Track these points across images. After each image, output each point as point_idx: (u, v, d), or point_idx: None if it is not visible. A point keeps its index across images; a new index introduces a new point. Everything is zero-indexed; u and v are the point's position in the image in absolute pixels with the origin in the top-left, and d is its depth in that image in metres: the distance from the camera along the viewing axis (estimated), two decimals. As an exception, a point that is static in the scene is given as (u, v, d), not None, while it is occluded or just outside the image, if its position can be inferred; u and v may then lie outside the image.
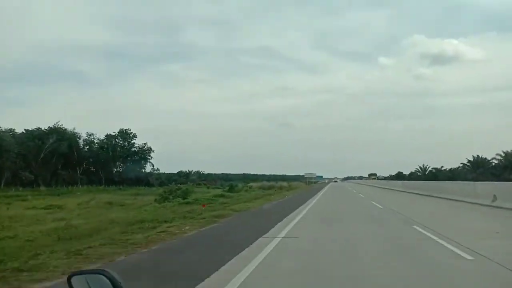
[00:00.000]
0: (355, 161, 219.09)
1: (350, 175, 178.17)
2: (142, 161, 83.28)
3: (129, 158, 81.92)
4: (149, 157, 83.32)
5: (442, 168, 78.54)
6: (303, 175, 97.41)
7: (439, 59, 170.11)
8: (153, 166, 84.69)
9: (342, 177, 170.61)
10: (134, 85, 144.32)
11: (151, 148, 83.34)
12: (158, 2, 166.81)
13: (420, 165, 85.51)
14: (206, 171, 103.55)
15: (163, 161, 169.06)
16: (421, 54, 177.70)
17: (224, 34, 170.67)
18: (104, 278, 1.41)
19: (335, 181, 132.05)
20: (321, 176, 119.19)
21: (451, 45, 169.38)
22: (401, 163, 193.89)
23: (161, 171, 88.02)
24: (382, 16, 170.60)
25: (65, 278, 1.94)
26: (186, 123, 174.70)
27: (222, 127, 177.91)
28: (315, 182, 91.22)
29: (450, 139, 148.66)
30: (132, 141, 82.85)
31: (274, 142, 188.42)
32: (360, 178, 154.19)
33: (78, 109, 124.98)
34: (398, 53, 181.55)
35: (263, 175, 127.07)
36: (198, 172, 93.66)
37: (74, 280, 1.50)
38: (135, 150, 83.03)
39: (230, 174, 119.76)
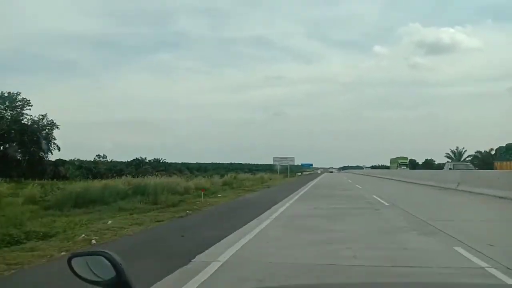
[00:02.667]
0: (351, 151, 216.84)
1: (347, 165, 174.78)
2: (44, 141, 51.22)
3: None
4: (52, 137, 53.03)
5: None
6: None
7: (435, 48, 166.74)
8: (59, 148, 54.66)
9: (338, 166, 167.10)
10: (125, 75, 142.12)
11: (54, 123, 52.87)
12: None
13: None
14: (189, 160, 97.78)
15: (143, 151, 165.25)
16: (417, 42, 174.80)
17: (216, 23, 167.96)
18: (104, 259, 1.35)
19: (330, 171, 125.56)
20: (310, 165, 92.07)
21: (447, 33, 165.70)
22: (396, 152, 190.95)
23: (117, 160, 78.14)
24: (377, 4, 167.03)
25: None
26: (174, 114, 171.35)
27: (210, 117, 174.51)
28: (299, 173, 66.96)
29: (447, 128, 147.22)
30: (24, 110, 52.83)
31: (264, 131, 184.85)
32: (358, 167, 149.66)
33: (66, 99, 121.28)
34: (393, 42, 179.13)
35: (250, 164, 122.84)
36: (157, 160, 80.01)
37: (74, 261, 1.43)
38: (27, 123, 52.46)
39: (214, 163, 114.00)
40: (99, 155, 78.98)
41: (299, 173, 67.86)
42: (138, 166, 72.66)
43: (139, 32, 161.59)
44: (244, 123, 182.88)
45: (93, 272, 1.39)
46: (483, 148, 74.85)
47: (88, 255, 1.47)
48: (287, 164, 58.52)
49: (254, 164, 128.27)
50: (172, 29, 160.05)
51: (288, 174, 53.40)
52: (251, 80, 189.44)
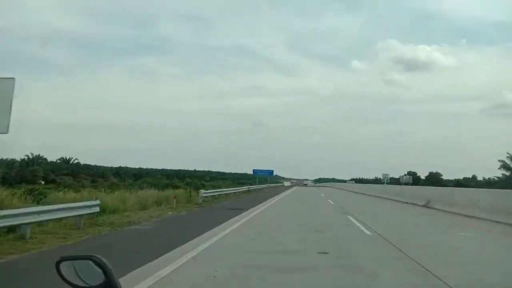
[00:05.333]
0: (327, 163, 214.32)
1: (322, 177, 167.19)
2: None
3: None
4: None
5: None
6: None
7: (412, 65, 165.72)
8: None
9: (312, 178, 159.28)
10: (104, 76, 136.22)
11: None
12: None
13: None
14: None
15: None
16: (394, 59, 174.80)
17: (200, 31, 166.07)
18: (92, 263, 1.32)
19: (304, 184, 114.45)
20: (270, 172, 65.19)
21: (424, 51, 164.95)
22: (368, 167, 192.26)
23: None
24: (357, 19, 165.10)
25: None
26: (150, 118, 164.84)
27: (188, 123, 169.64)
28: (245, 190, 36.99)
29: (421, 145, 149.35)
30: None
31: (242, 141, 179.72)
32: (335, 180, 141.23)
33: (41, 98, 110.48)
34: (371, 57, 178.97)
35: (227, 173, 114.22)
36: (65, 161, 68.61)
37: (62, 265, 1.38)
38: None
39: (185, 170, 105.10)
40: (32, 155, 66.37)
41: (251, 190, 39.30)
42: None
43: (120, 34, 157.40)
44: (222, 131, 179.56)
45: (80, 277, 1.34)
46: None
47: (76, 259, 1.40)
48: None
49: (232, 173, 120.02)
50: (154, 33, 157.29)
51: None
52: (231, 89, 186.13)
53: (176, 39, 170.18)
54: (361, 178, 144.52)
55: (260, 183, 54.22)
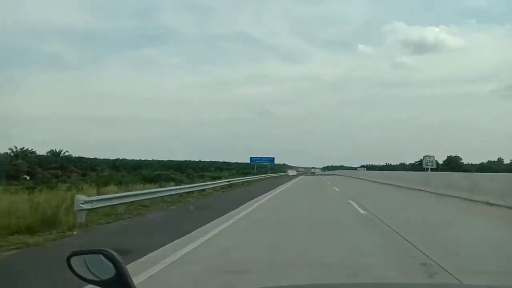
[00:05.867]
0: (335, 151, 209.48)
1: (330, 165, 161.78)
2: None
3: None
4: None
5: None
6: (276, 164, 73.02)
7: (420, 47, 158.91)
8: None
9: (321, 166, 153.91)
10: (109, 69, 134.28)
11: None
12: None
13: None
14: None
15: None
16: (402, 42, 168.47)
17: (203, 20, 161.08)
18: (103, 257, 1.30)
19: (312, 173, 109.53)
20: (271, 160, 55.96)
21: (432, 32, 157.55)
22: (380, 153, 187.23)
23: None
24: (362, 3, 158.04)
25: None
26: (156, 110, 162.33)
27: (193, 114, 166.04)
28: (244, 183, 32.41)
29: (433, 129, 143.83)
30: None
31: (248, 130, 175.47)
32: (343, 168, 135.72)
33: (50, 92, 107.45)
34: (378, 41, 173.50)
35: (231, 163, 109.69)
36: (55, 154, 63.97)
37: (73, 260, 1.36)
38: None
39: (191, 161, 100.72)
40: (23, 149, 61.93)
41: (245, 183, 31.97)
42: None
43: (121, 25, 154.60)
44: (227, 121, 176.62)
45: (91, 271, 1.34)
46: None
47: (87, 253, 1.39)
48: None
49: (238, 162, 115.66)
50: (156, 24, 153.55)
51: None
52: (236, 78, 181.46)
53: (178, 29, 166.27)
54: (371, 164, 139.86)
55: (261, 173, 48.52)
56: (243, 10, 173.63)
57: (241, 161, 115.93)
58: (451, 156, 74.72)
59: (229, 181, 27.23)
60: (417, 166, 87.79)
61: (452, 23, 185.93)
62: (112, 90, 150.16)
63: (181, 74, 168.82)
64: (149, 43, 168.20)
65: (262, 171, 52.69)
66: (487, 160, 72.41)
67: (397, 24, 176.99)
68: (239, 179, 32.93)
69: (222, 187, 24.38)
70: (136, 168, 71.76)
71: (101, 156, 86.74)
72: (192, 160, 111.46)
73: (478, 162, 73.05)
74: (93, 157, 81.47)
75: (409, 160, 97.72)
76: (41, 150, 65.46)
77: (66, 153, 69.19)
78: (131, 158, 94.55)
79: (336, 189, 24.05)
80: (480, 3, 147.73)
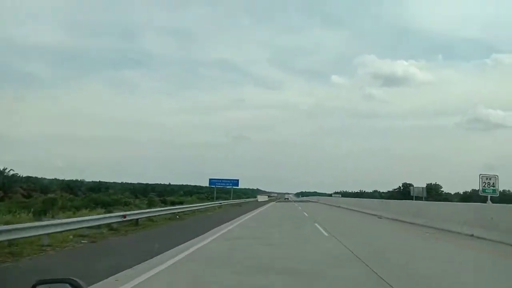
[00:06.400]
0: (308, 177, 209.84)
1: (304, 191, 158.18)
2: None
3: None
4: None
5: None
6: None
7: (389, 80, 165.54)
8: None
9: (294, 192, 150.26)
10: (86, 89, 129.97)
11: None
12: (116, 6, 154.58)
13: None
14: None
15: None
16: (373, 74, 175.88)
17: (184, 45, 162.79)
18: (70, 287, 1.32)
19: (286, 198, 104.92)
20: (235, 182, 48.64)
21: (402, 66, 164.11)
22: (353, 181, 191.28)
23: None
24: (337, 35, 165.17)
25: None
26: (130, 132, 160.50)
27: (170, 138, 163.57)
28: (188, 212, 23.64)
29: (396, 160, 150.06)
30: None
31: (224, 155, 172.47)
32: (316, 194, 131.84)
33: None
34: (350, 72, 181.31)
35: (199, 186, 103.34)
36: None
37: None
38: None
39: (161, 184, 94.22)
40: None
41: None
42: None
43: (102, 47, 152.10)
44: (202, 145, 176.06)
45: None
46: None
47: (53, 282, 1.35)
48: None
49: (211, 187, 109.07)
50: (137, 47, 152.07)
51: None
52: (213, 103, 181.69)
53: (159, 53, 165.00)
54: (345, 191, 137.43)
55: (223, 198, 42.73)
56: (224, 37, 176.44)
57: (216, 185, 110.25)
58: (431, 183, 71.49)
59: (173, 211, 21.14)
60: (397, 194, 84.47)
61: (420, 57, 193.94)
62: (85, 110, 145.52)
63: (158, 97, 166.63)
64: (127, 66, 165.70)
65: (220, 197, 46.85)
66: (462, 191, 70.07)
67: (368, 57, 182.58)
68: (198, 206, 27.54)
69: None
70: (94, 191, 66.29)
71: (70, 177, 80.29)
72: (162, 183, 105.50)
73: (463, 190, 70.55)
74: (53, 178, 74.90)
75: (382, 188, 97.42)
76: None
77: (11, 172, 61.46)
78: (98, 180, 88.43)
79: (324, 232, 14.30)
80: (446, 39, 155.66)
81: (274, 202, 65.61)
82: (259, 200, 69.01)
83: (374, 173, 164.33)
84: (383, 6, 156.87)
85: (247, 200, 62.91)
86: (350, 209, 32.56)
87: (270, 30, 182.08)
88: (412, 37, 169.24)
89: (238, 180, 48.33)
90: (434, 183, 72.95)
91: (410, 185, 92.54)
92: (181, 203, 40.68)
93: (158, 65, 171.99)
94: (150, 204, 38.48)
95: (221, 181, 46.77)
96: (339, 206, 38.21)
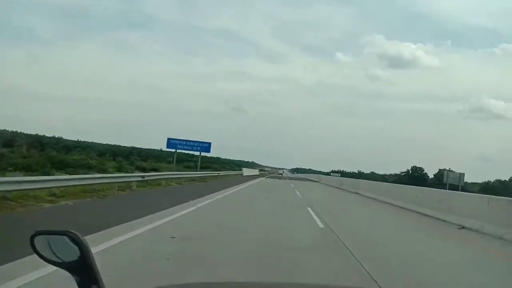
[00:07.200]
0: (305, 154, 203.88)
1: (299, 167, 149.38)
2: None
3: None
4: None
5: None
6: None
7: (396, 62, 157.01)
8: None
9: (289, 167, 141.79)
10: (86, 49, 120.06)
11: None
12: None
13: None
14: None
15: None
16: (379, 54, 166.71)
17: (187, 10, 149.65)
18: (68, 239, 1.25)
19: (279, 174, 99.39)
20: (207, 147, 37.30)
21: (409, 48, 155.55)
22: (351, 160, 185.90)
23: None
24: (344, 12, 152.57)
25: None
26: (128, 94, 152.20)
27: (168, 103, 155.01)
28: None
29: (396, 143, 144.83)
30: None
31: (221, 125, 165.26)
32: (312, 171, 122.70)
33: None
34: (356, 51, 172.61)
35: (192, 155, 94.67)
36: None
37: (37, 239, 1.31)
38: None
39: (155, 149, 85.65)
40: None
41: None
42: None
43: (105, 6, 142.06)
44: (200, 113, 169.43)
45: (54, 253, 1.28)
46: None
47: (51, 234, 1.32)
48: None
49: (207, 156, 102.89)
50: (141, 9, 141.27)
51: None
52: (215, 72, 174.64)
53: (161, 16, 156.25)
54: (342, 170, 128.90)
55: (189, 167, 31.28)
56: (228, 6, 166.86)
57: (212, 155, 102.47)
58: (442, 169, 61.01)
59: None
60: (404, 177, 73.91)
61: (429, 41, 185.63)
62: (85, 71, 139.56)
63: (159, 61, 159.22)
64: (129, 27, 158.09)
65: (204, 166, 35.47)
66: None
67: (376, 36, 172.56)
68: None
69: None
70: (69, 150, 62.41)
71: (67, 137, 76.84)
72: (154, 148, 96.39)
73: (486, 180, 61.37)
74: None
75: (379, 170, 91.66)
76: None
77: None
78: (91, 141, 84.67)
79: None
80: (456, 26, 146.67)
81: (264, 178, 54.02)
82: (244, 174, 56.38)
83: (373, 154, 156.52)
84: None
85: (230, 172, 51.55)
86: (379, 200, 21.27)
87: (275, 2, 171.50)
88: (422, 20, 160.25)
89: (210, 144, 36.57)
90: (448, 168, 62.18)
91: (420, 169, 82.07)
92: (154, 170, 34.65)
93: (161, 30, 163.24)
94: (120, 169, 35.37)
95: (185, 143, 34.81)
96: (357, 193, 26.81)
